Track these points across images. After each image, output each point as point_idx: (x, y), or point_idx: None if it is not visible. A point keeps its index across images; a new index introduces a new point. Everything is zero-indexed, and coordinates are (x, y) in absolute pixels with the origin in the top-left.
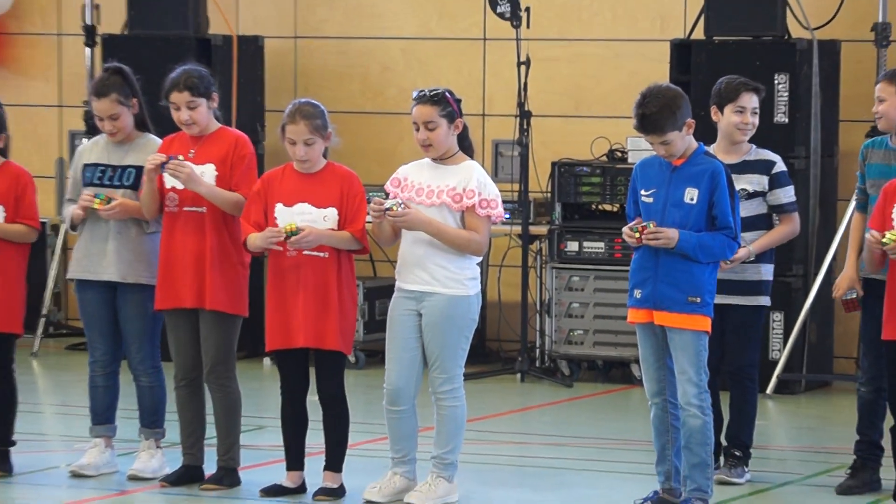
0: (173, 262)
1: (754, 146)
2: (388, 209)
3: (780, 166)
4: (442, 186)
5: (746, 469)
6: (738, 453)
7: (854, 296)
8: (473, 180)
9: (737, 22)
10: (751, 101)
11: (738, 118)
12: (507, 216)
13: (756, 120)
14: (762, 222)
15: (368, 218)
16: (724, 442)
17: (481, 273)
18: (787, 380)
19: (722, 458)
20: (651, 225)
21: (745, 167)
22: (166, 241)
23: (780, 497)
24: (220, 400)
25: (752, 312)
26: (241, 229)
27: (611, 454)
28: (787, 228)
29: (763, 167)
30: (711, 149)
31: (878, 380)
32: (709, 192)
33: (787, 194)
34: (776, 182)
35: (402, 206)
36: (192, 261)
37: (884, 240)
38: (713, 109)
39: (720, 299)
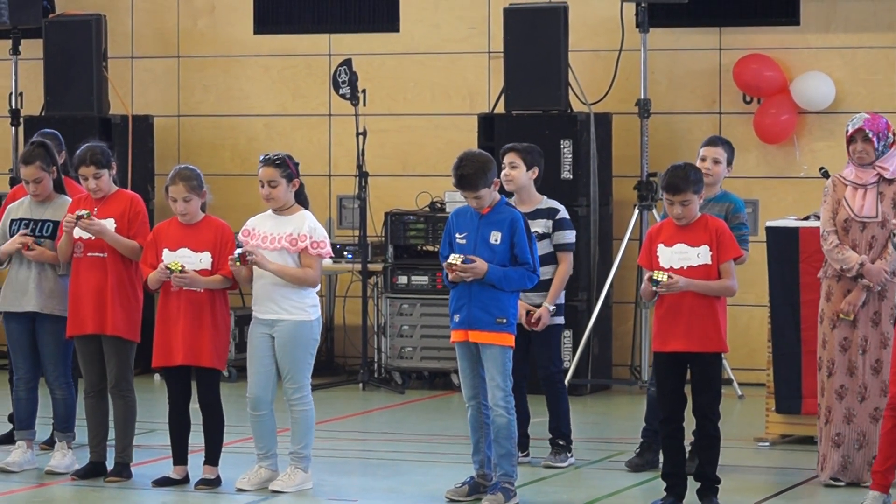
0: (79, 297)
1: (546, 197)
2: (239, 257)
3: (563, 214)
4: (281, 233)
5: (570, 455)
6: (561, 442)
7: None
8: (305, 227)
9: (530, 99)
10: (505, 158)
11: (500, 174)
12: (350, 256)
13: (513, 173)
14: (551, 258)
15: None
16: (529, 434)
17: (330, 303)
18: (576, 384)
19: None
20: (456, 258)
21: (537, 214)
22: (74, 280)
23: (581, 477)
24: (120, 408)
25: (552, 329)
26: (142, 271)
27: (436, 447)
28: (562, 268)
29: (549, 214)
30: (513, 200)
31: None
32: (509, 235)
33: (565, 236)
34: (557, 226)
35: (252, 254)
36: (95, 296)
37: (655, 277)
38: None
39: None
